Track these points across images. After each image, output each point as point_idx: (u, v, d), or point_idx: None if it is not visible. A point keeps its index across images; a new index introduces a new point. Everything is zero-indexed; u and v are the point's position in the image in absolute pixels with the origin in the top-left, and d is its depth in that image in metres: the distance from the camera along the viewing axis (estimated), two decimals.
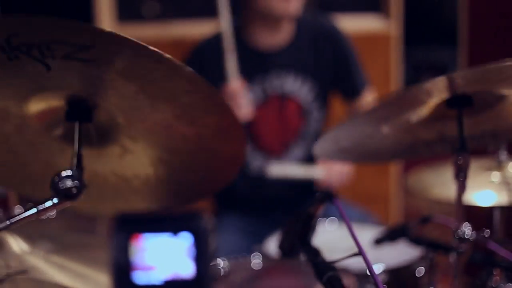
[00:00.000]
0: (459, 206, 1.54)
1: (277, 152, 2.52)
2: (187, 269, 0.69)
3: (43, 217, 2.09)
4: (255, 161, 2.51)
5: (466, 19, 3.06)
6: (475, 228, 1.66)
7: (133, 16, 3.78)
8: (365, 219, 2.35)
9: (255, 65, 2.45)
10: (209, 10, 4.05)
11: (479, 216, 2.05)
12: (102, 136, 1.32)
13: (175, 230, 0.65)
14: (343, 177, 2.49)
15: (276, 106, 2.48)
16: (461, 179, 1.48)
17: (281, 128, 2.49)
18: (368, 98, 2.63)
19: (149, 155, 1.35)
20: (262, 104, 2.46)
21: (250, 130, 2.47)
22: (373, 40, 3.51)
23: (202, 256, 0.68)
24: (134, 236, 0.66)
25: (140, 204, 1.50)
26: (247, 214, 2.52)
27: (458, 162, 1.46)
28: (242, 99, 2.35)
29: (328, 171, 2.44)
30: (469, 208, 2.96)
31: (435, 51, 6.15)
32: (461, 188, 1.50)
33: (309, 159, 2.58)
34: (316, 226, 1.39)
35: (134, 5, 3.87)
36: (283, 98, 2.48)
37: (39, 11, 6.90)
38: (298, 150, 2.53)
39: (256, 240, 2.15)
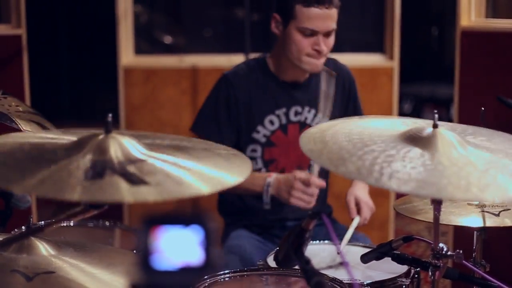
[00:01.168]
0: (436, 227, 1.72)
1: None
2: (197, 257, 0.87)
3: (67, 222, 2.29)
4: None
5: (458, 58, 3.25)
6: (462, 247, 1.85)
7: (149, 49, 4.05)
8: (364, 241, 2.52)
9: (281, 93, 2.65)
10: (216, 43, 4.31)
11: (465, 238, 2.22)
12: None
13: (187, 224, 0.84)
14: (371, 207, 2.60)
15: (297, 132, 2.66)
16: (437, 203, 1.67)
17: (299, 154, 2.65)
18: None
19: None
20: (284, 130, 2.66)
21: (269, 154, 2.65)
22: (377, 76, 3.75)
23: (209, 246, 0.86)
24: (155, 228, 0.85)
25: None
26: (258, 232, 2.67)
27: None
28: (314, 192, 2.42)
29: (362, 215, 2.55)
30: (458, 231, 3.15)
31: (435, 87, 6.37)
32: (437, 210, 1.69)
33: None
34: (308, 239, 1.59)
35: (150, 39, 4.13)
36: (303, 126, 2.67)
37: (70, 46, 7.11)
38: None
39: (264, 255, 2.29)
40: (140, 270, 0.85)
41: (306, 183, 2.39)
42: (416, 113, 6.25)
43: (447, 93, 4.78)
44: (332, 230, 1.43)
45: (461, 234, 3.06)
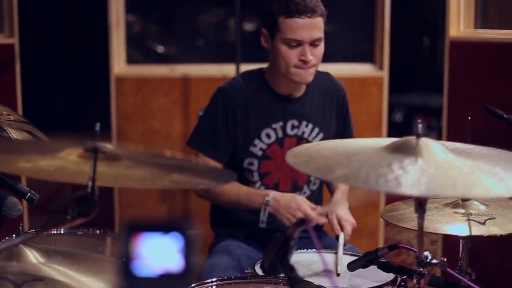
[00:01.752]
0: (420, 234, 1.74)
1: (287, 190, 2.68)
2: (176, 264, 0.89)
3: (57, 230, 2.31)
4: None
5: (447, 68, 3.29)
6: (451, 256, 1.86)
7: (142, 59, 4.08)
8: (351, 250, 2.54)
9: (278, 107, 2.65)
10: (208, 54, 4.34)
11: (454, 247, 2.25)
12: (113, 158, 1.53)
13: (167, 231, 0.86)
14: (352, 223, 2.59)
15: (293, 146, 2.64)
16: (420, 212, 1.69)
17: (294, 167, 2.67)
18: None
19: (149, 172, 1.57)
20: (280, 144, 2.66)
21: (265, 167, 2.66)
22: (367, 85, 3.79)
23: (189, 253, 0.88)
24: (135, 235, 0.87)
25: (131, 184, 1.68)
26: (248, 242, 2.69)
27: (418, 197, 1.67)
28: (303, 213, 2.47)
29: (345, 232, 2.53)
30: (447, 240, 3.18)
31: (427, 96, 6.43)
32: (421, 219, 1.71)
33: (316, 198, 2.80)
34: (294, 247, 1.61)
35: (142, 49, 4.16)
36: (300, 140, 2.68)
37: (63, 55, 7.12)
38: (306, 190, 2.73)
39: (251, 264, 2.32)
40: (122, 277, 0.87)
41: (309, 218, 2.45)
42: (407, 123, 6.30)
43: (439, 102, 4.82)
44: (316, 238, 1.45)
45: (450, 243, 3.09)
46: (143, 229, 0.87)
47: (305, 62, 2.54)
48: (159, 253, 0.88)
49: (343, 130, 2.81)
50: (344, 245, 2.47)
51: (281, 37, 2.53)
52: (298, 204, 2.47)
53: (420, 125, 1.67)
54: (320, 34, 2.55)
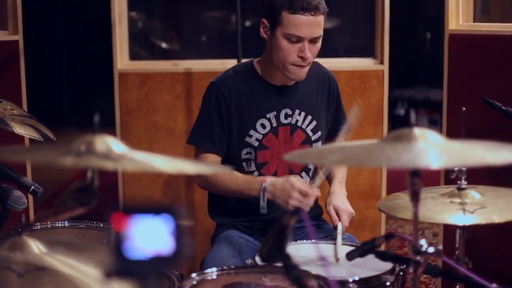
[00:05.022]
0: (415, 224, 1.77)
1: None
2: (167, 247, 0.92)
3: (59, 220, 2.35)
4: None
5: (446, 61, 3.31)
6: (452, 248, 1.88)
7: (145, 55, 4.11)
8: (351, 240, 2.58)
9: (271, 97, 2.69)
10: (210, 50, 4.37)
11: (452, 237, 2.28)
12: None
13: (158, 213, 0.89)
14: (350, 212, 2.62)
15: (287, 134, 2.71)
16: (415, 201, 1.72)
17: None
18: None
19: None
20: (275, 133, 2.71)
21: (262, 157, 2.69)
22: (367, 79, 3.82)
23: (180, 236, 0.91)
24: (127, 217, 0.90)
25: None
26: (249, 232, 2.74)
27: (413, 186, 1.71)
28: (311, 202, 2.48)
29: (342, 222, 2.56)
30: (447, 232, 3.21)
31: (429, 91, 6.46)
32: (416, 208, 1.74)
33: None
34: (290, 235, 1.65)
35: (145, 45, 4.20)
36: (294, 129, 2.72)
37: (67, 52, 7.13)
38: (306, 178, 2.76)
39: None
40: (113, 259, 0.90)
41: (304, 194, 2.45)
42: (410, 117, 6.34)
43: (441, 96, 4.85)
44: (311, 226, 1.49)
45: (450, 234, 3.12)
46: (134, 212, 0.89)
47: (303, 59, 2.57)
48: (150, 235, 0.91)
49: (336, 115, 2.84)
50: (343, 233, 2.51)
51: (282, 31, 2.56)
52: (292, 183, 2.48)
53: (413, 115, 1.71)
54: (321, 31, 2.59)
